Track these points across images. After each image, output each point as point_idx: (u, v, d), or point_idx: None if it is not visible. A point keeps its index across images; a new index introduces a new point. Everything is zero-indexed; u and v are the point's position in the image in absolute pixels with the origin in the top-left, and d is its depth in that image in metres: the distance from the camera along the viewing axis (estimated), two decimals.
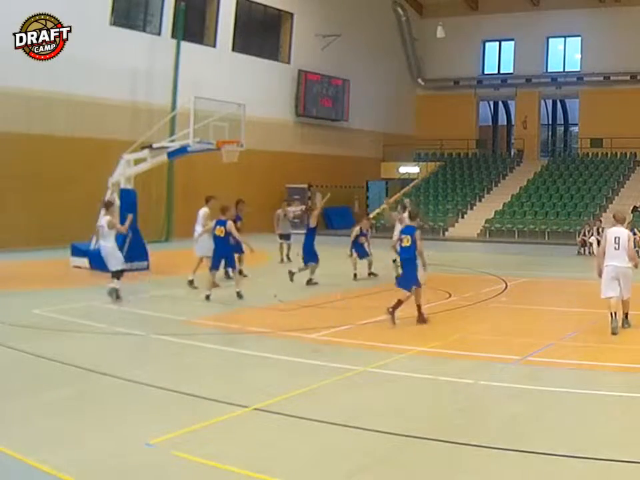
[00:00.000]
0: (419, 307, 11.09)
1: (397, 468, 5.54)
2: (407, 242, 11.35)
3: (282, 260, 19.74)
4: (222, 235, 13.44)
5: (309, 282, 15.47)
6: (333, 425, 6.41)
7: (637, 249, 22.50)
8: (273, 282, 15.89)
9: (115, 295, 12.91)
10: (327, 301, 13.41)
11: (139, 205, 17.91)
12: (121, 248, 17.08)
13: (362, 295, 14.49)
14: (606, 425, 6.54)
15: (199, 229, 15.06)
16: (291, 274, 15.60)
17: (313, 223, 15.82)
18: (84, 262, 17.80)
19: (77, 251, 18.29)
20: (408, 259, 11.37)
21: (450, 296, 13.94)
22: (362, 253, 16.52)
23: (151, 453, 5.74)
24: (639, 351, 9.48)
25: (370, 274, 16.68)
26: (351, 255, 16.51)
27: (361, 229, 16.57)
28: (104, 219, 13.47)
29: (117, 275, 13.06)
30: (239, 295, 13.42)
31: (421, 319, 11.06)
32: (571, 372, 8.43)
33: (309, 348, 9.48)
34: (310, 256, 15.50)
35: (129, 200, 17.76)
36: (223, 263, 14.03)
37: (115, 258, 13.31)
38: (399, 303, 10.92)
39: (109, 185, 18.36)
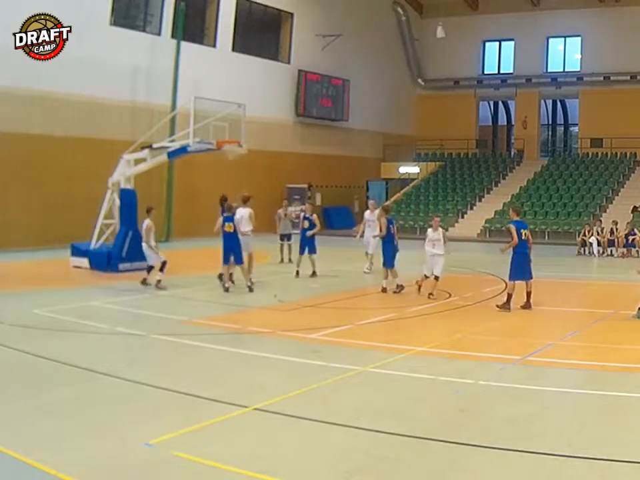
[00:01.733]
0: (528, 294, 12.37)
1: (397, 468, 5.54)
2: (524, 237, 12.53)
3: (282, 260, 19.71)
4: (231, 231, 14.14)
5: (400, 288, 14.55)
6: (333, 425, 6.41)
7: (637, 248, 22.66)
8: (273, 282, 15.89)
9: (158, 285, 14.42)
10: (326, 301, 13.40)
11: (139, 205, 17.93)
12: (121, 247, 17.21)
13: (362, 295, 14.50)
14: (606, 425, 6.54)
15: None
16: (400, 287, 14.47)
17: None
18: (84, 262, 17.82)
19: (76, 251, 18.28)
20: (524, 253, 12.42)
21: (450, 296, 13.92)
22: (306, 248, 16.37)
23: (151, 453, 5.74)
24: (638, 351, 9.50)
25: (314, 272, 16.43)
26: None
27: (304, 213, 16.68)
28: (148, 222, 14.78)
29: (161, 267, 14.64)
30: (251, 289, 14.12)
31: (528, 305, 12.34)
32: (570, 372, 8.43)
33: (309, 348, 9.48)
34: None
35: (129, 200, 17.77)
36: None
37: (151, 256, 14.91)
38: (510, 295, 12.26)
39: (109, 184, 18.38)
